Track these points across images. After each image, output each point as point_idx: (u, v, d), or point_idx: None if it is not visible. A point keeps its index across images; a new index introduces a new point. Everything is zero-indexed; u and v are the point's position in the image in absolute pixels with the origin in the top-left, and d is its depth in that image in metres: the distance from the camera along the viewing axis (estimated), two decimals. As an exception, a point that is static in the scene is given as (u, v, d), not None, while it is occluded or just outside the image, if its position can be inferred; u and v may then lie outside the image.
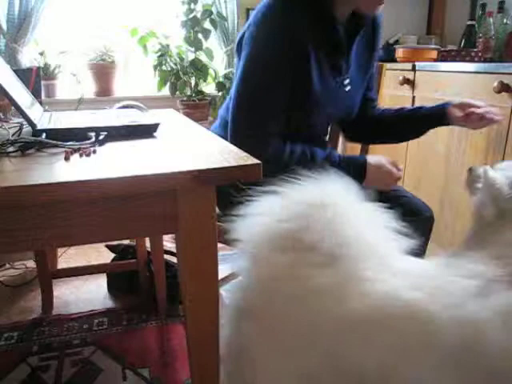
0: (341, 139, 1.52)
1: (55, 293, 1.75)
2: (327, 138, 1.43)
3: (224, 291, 1.40)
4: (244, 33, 1.11)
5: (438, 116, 1.21)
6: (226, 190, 0.83)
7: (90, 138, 0.91)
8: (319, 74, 1.08)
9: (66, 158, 0.79)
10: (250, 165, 0.75)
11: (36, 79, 1.44)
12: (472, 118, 1.13)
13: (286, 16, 1.01)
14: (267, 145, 1.06)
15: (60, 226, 0.71)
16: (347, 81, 1.17)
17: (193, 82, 2.55)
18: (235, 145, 1.03)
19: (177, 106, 2.47)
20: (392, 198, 1.20)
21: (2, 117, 1.24)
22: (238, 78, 1.09)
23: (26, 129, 1.00)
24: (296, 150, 1.10)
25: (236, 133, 1.10)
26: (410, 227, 0.94)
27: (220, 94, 2.53)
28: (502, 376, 0.68)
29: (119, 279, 1.82)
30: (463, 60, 1.94)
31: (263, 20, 1.04)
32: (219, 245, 0.88)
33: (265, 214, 0.81)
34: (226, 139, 1.01)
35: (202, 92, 2.56)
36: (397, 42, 2.40)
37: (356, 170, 1.09)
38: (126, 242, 1.89)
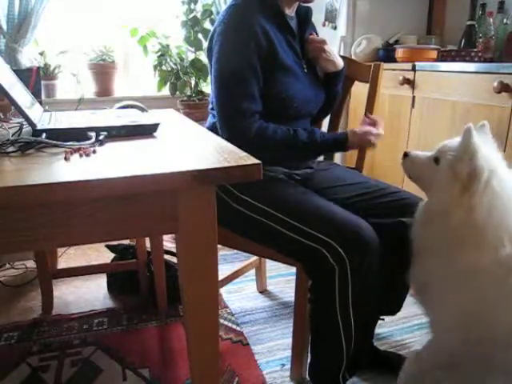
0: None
1: (55, 293, 1.75)
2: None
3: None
4: (213, 32, 1.23)
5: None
6: (219, 195, 0.84)
7: (90, 138, 0.91)
8: (282, 49, 1.22)
9: (66, 158, 0.79)
10: (250, 165, 0.75)
11: (36, 79, 1.44)
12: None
13: (246, 10, 1.19)
14: (251, 125, 1.16)
15: (60, 225, 0.71)
16: (305, 65, 1.32)
17: (193, 81, 2.55)
18: (225, 132, 1.13)
19: (177, 106, 2.47)
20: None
21: (2, 117, 1.24)
22: (213, 72, 1.21)
23: (26, 129, 1.00)
24: (279, 128, 1.20)
25: (222, 121, 1.20)
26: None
27: (220, 94, 2.53)
28: None
29: (119, 279, 1.82)
30: (463, 60, 1.93)
31: (227, 19, 1.19)
32: (219, 245, 0.88)
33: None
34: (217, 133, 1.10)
35: (202, 92, 2.56)
36: (397, 42, 2.40)
37: (338, 141, 1.26)
38: (126, 241, 1.90)
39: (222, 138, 1.04)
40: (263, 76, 1.19)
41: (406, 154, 1.17)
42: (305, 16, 1.36)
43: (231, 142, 0.92)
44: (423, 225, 1.09)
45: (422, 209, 1.11)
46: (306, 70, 1.32)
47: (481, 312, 0.98)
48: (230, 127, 1.18)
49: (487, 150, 1.01)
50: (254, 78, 1.17)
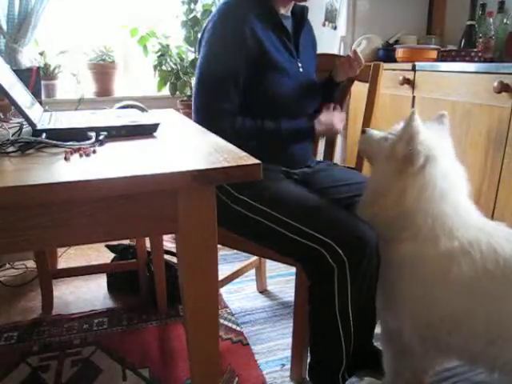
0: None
1: (55, 293, 1.75)
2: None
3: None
4: (205, 28, 1.25)
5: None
6: (218, 196, 0.83)
7: (90, 138, 0.91)
8: (274, 48, 1.23)
9: (66, 158, 0.79)
10: (250, 165, 0.75)
11: (36, 79, 1.44)
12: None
13: (236, 9, 1.20)
14: (225, 121, 1.20)
15: (60, 225, 0.71)
16: (300, 64, 1.33)
17: (193, 82, 2.55)
18: (198, 122, 1.18)
19: (177, 106, 2.47)
20: None
21: (2, 117, 1.24)
22: (196, 70, 1.26)
23: (26, 129, 1.00)
24: (248, 120, 1.23)
25: (197, 119, 1.24)
26: None
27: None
28: None
29: (119, 279, 1.82)
30: (463, 60, 1.93)
31: (217, 18, 1.21)
32: (219, 245, 0.88)
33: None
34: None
35: (202, 92, 2.56)
36: (397, 42, 2.39)
37: (306, 130, 1.29)
38: (126, 241, 1.89)
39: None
40: (253, 75, 1.21)
41: (363, 131, 1.21)
42: (300, 15, 1.36)
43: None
44: (367, 204, 1.12)
45: (366, 187, 1.14)
46: (301, 70, 1.32)
47: (427, 299, 1.02)
48: (203, 122, 1.20)
49: (433, 137, 1.03)
50: (232, 81, 1.20)
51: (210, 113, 1.23)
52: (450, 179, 1.03)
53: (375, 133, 1.19)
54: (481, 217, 1.06)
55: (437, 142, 1.04)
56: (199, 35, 1.31)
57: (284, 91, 1.25)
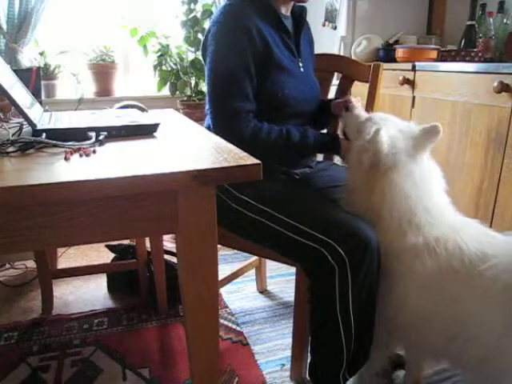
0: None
1: (55, 293, 1.75)
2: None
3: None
4: (208, 33, 1.23)
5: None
6: (218, 195, 0.83)
7: (90, 138, 0.91)
8: (278, 48, 1.23)
9: (66, 158, 0.79)
10: (250, 165, 0.75)
11: (36, 79, 1.44)
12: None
13: (240, 10, 1.19)
14: (245, 124, 1.17)
15: (60, 225, 0.71)
16: (301, 64, 1.32)
17: (193, 81, 2.55)
18: (219, 133, 1.10)
19: (177, 106, 2.47)
20: None
21: (2, 117, 1.24)
22: (207, 72, 1.21)
23: (26, 129, 1.00)
24: (273, 128, 1.20)
25: (218, 121, 1.20)
26: None
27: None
28: None
29: (119, 279, 1.82)
30: (463, 60, 1.93)
31: (222, 19, 1.19)
32: (219, 245, 0.88)
33: None
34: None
35: (201, 92, 2.56)
36: (397, 42, 2.39)
37: (329, 148, 1.27)
38: (126, 241, 1.89)
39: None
40: (259, 75, 1.19)
41: (346, 108, 1.25)
42: (299, 16, 1.36)
43: (228, 141, 0.93)
44: (346, 195, 1.17)
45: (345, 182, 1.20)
46: (302, 69, 1.32)
47: (393, 292, 1.06)
48: (224, 127, 1.18)
49: (402, 139, 1.08)
50: (247, 78, 1.17)
51: (225, 112, 1.18)
52: (416, 179, 1.07)
53: (358, 114, 1.22)
54: (454, 214, 1.09)
55: (403, 145, 1.08)
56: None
57: (287, 91, 1.24)
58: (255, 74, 1.19)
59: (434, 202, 1.07)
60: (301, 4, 1.33)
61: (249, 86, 1.18)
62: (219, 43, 1.19)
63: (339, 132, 1.29)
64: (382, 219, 1.07)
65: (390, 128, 1.09)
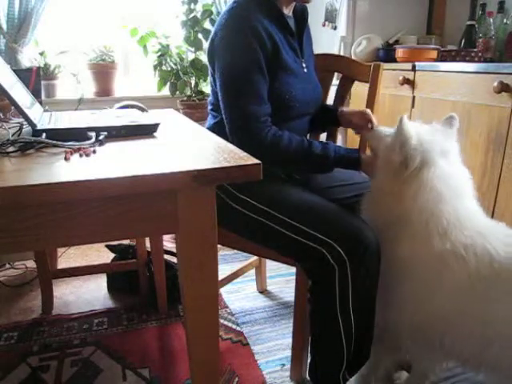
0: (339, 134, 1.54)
1: (55, 293, 1.75)
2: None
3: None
4: (215, 36, 1.20)
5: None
6: (218, 195, 0.83)
7: (90, 138, 0.91)
8: (284, 49, 1.21)
9: (66, 158, 0.79)
10: (250, 165, 0.75)
11: (36, 79, 1.44)
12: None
13: (247, 12, 1.16)
14: (265, 129, 1.14)
15: (60, 226, 0.71)
16: (304, 64, 1.31)
17: (193, 81, 2.55)
18: (237, 142, 1.06)
19: (177, 106, 2.47)
20: None
21: (2, 117, 1.24)
22: (219, 77, 1.17)
23: (26, 129, 1.00)
24: (294, 137, 1.17)
25: (233, 130, 1.16)
26: None
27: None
28: None
29: (119, 279, 1.82)
30: (463, 60, 1.93)
31: (229, 21, 1.17)
32: (219, 245, 0.88)
33: None
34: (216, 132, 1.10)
35: (201, 92, 2.56)
36: (397, 42, 2.39)
37: (350, 163, 1.21)
38: (126, 241, 1.89)
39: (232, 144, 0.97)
40: (269, 76, 1.18)
41: (371, 128, 1.25)
42: (301, 16, 1.35)
43: (243, 149, 0.87)
44: (371, 204, 1.14)
45: (370, 187, 1.17)
46: (305, 70, 1.32)
47: (419, 299, 1.04)
48: (242, 133, 1.15)
49: (429, 139, 1.05)
50: (262, 80, 1.15)
51: (242, 117, 1.14)
52: (449, 181, 1.04)
53: (383, 130, 1.20)
54: (485, 219, 1.06)
55: (434, 144, 1.04)
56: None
57: (294, 93, 1.23)
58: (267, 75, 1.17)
59: (463, 206, 1.04)
60: (303, 3, 1.33)
61: (264, 87, 1.16)
62: (229, 46, 1.16)
63: (368, 150, 1.25)
64: (409, 223, 1.04)
65: (417, 127, 1.07)
